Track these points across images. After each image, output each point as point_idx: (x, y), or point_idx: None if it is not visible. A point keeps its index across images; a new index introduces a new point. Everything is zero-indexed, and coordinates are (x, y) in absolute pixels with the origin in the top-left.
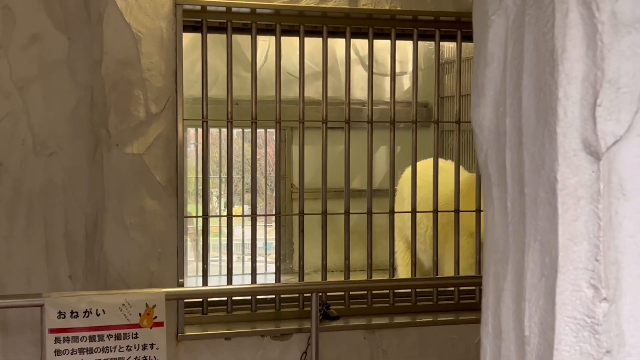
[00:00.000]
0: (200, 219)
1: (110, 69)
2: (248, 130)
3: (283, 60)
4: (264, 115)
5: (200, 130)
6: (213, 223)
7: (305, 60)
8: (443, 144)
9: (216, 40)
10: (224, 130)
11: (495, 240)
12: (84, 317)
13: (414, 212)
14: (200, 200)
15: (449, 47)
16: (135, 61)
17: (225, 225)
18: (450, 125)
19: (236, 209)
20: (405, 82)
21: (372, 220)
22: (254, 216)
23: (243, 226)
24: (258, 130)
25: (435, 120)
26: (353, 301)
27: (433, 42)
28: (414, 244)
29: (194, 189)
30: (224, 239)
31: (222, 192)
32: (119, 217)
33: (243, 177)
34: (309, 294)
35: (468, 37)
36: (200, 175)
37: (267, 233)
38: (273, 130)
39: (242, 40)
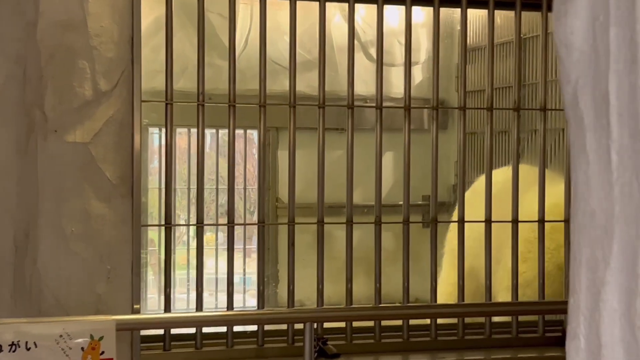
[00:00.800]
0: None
1: (48, 35)
2: (224, 132)
3: (268, 46)
4: (244, 114)
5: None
6: (180, 254)
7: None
8: (471, 147)
9: (184, 21)
10: (194, 130)
11: (591, 211)
12: (9, 351)
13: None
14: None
15: (475, 28)
16: (80, 24)
17: (195, 255)
18: (475, 125)
19: (208, 237)
20: (416, 75)
21: (381, 232)
22: (230, 225)
23: (217, 254)
24: (236, 131)
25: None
26: (357, 335)
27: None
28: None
29: (156, 196)
30: (193, 272)
31: (191, 201)
32: (57, 224)
33: (217, 194)
34: (301, 325)
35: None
36: (163, 174)
37: (245, 264)
38: (255, 132)
39: (217, 21)
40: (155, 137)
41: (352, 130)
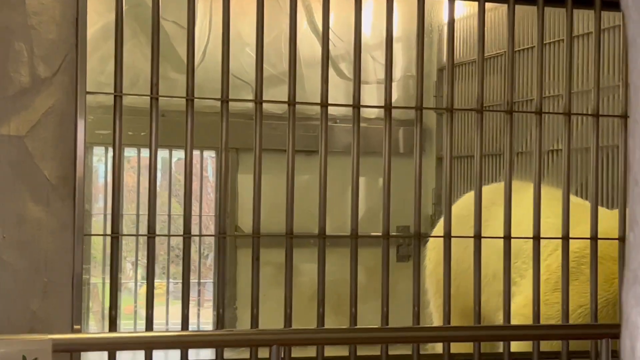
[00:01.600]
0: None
1: None
2: (178, 153)
3: (232, 62)
4: (202, 132)
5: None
6: (126, 303)
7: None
8: (457, 172)
9: (136, 29)
10: (145, 151)
11: None
12: None
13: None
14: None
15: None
16: (16, 0)
17: (144, 306)
18: (460, 148)
19: (159, 284)
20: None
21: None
22: (186, 236)
23: (167, 303)
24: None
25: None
26: None
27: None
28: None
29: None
30: (141, 324)
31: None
32: None
33: (169, 221)
34: (266, 351)
35: None
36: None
37: (200, 317)
38: (213, 154)
39: (172, 29)
40: (101, 170)
41: (358, 133)
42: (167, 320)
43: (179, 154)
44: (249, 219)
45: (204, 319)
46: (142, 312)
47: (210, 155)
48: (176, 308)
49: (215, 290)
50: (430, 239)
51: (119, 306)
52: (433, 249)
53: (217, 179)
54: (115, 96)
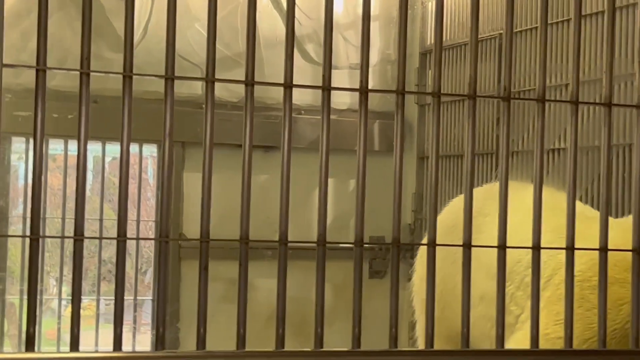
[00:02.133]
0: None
1: None
2: (113, 147)
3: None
4: (141, 123)
5: None
6: (48, 326)
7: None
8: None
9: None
10: (73, 147)
11: None
12: None
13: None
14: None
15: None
16: None
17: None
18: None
19: (88, 304)
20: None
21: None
22: (121, 239)
23: (97, 326)
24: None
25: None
26: None
27: None
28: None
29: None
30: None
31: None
32: None
33: (101, 228)
34: None
35: None
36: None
37: (136, 342)
38: (154, 151)
39: (108, 2)
40: (21, 170)
41: (328, 122)
42: (97, 345)
43: (113, 151)
44: (196, 226)
45: (140, 346)
46: (67, 337)
47: (151, 154)
48: (107, 332)
49: (154, 307)
50: (420, 252)
51: (39, 325)
52: (420, 263)
53: (159, 179)
54: (37, 71)
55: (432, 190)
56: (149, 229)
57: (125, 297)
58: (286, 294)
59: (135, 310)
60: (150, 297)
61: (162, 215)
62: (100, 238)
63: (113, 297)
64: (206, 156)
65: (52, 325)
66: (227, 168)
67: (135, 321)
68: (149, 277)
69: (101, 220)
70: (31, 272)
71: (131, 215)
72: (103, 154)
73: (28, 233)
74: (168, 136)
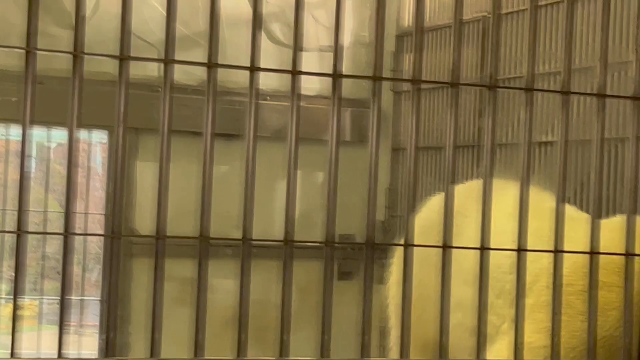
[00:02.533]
0: None
1: None
2: (58, 133)
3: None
4: (91, 107)
5: None
6: None
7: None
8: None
9: None
10: (15, 131)
11: None
12: None
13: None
14: None
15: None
16: None
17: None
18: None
19: (29, 304)
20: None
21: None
22: (68, 234)
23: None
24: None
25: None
26: None
27: None
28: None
29: None
30: None
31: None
32: None
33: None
34: None
35: None
36: None
37: (81, 345)
38: (104, 138)
39: None
40: None
41: (298, 108)
42: (39, 349)
43: (59, 137)
44: (148, 221)
45: (86, 349)
46: (6, 340)
47: (100, 141)
48: (50, 334)
49: (103, 309)
50: (396, 254)
51: None
52: (397, 266)
53: (110, 168)
54: None
55: (410, 186)
56: (97, 222)
57: (70, 297)
58: (249, 296)
59: (80, 312)
60: (98, 298)
61: (113, 209)
62: (45, 233)
63: (57, 297)
64: (163, 145)
65: None
66: (185, 158)
67: (80, 323)
68: (96, 276)
69: (45, 212)
70: None
71: (78, 207)
72: (48, 139)
73: None
74: (121, 122)
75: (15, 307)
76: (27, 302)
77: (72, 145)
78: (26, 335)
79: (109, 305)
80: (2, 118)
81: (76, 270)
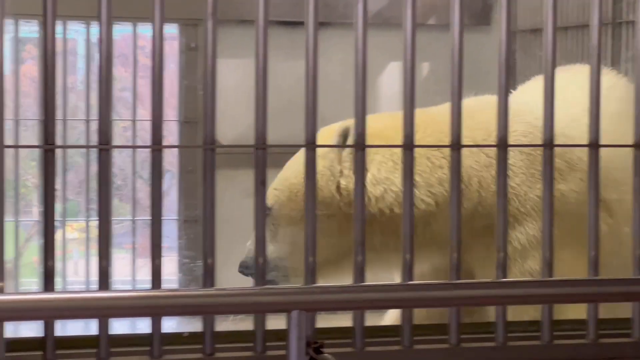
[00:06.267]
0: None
1: None
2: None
3: None
4: None
5: None
6: (32, 253)
7: None
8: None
9: None
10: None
11: None
12: None
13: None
14: None
15: None
16: None
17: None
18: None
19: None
20: None
21: None
22: (156, 148)
23: (88, 251)
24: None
25: None
26: (372, 340)
27: None
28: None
29: None
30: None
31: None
32: None
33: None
34: (280, 319)
35: None
36: None
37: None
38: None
39: None
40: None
41: None
42: (88, 274)
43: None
44: (229, 129)
45: (167, 273)
46: (78, 264)
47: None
48: (119, 259)
49: (204, 226)
50: None
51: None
52: None
53: (202, 69)
54: None
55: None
56: (169, 133)
57: (137, 218)
58: None
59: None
60: (174, 217)
61: (206, 118)
62: (133, 147)
63: (127, 217)
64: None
65: (34, 251)
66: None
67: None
68: (170, 186)
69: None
70: (47, 192)
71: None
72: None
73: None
74: (211, 15)
75: (106, 230)
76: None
77: (157, 42)
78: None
79: (207, 226)
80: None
81: (145, 186)
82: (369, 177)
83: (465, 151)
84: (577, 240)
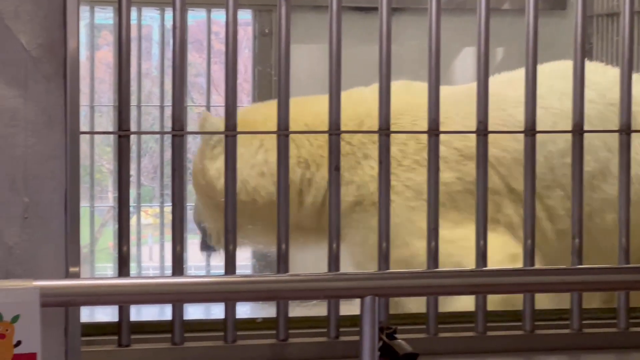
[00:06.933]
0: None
1: None
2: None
3: None
4: None
5: None
6: (107, 238)
7: None
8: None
9: None
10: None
11: None
12: None
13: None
14: None
15: None
16: None
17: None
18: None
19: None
20: None
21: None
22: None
23: (162, 237)
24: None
25: None
26: (446, 326)
27: None
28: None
29: None
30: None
31: None
32: None
33: None
34: (353, 304)
35: None
36: None
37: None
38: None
39: None
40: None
41: None
42: (162, 263)
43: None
44: None
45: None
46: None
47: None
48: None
49: (278, 212)
50: None
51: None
52: None
53: (277, 53)
54: None
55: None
56: None
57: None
58: None
59: None
60: None
61: (280, 104)
62: (208, 133)
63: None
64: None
65: (109, 237)
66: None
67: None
68: None
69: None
70: (122, 177)
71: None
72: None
73: (105, 125)
74: (285, 1)
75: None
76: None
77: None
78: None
79: (280, 212)
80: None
81: None
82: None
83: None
84: (465, 228)
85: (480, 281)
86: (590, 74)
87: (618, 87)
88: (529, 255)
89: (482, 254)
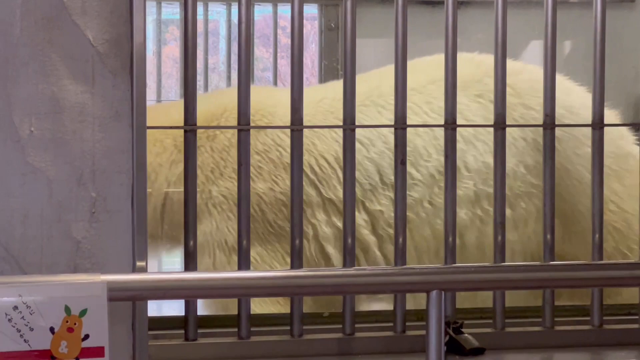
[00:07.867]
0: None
1: None
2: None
3: None
4: None
5: None
6: None
7: None
8: None
9: None
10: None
11: None
12: None
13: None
14: None
15: None
16: None
17: None
18: None
19: None
20: None
21: None
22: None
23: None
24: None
25: None
26: (514, 320)
27: None
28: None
29: None
30: None
31: None
32: (5, 121)
33: None
34: (418, 300)
35: None
36: None
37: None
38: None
39: None
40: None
41: None
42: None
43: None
44: None
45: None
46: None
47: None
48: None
49: (344, 207)
50: None
51: None
52: None
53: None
54: None
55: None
56: None
57: None
58: None
59: None
60: None
61: (345, 99)
62: (273, 127)
63: None
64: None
65: None
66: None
67: None
68: None
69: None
70: (189, 172)
71: None
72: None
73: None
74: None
75: None
76: None
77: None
78: None
79: (346, 207)
80: None
81: None
82: None
83: None
84: (276, 238)
85: (547, 275)
86: None
87: None
88: (549, 250)
89: (549, 248)
